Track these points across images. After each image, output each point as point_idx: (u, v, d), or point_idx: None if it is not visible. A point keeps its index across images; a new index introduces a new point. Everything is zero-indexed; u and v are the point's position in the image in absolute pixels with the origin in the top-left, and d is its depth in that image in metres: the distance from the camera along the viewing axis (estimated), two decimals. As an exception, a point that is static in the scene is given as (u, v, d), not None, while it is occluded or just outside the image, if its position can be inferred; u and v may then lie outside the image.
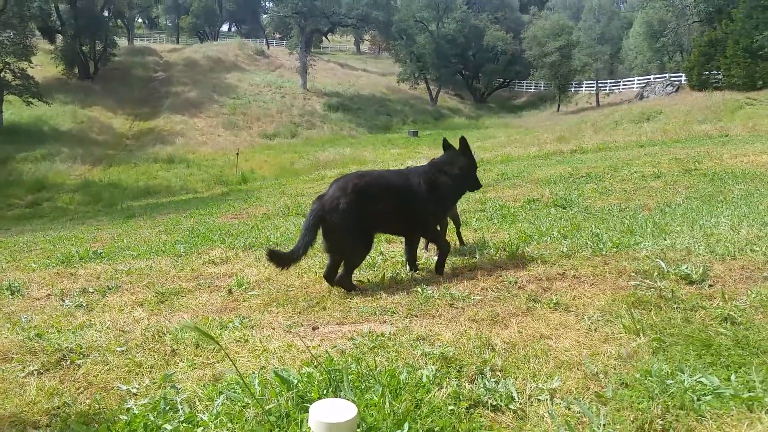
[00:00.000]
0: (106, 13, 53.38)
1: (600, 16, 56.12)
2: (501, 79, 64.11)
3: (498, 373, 2.63)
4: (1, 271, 6.49)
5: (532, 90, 62.89)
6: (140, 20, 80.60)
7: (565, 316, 3.40)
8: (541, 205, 8.02)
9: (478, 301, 3.75)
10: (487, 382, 2.47)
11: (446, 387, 2.42)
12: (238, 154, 27.10)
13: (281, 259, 4.34)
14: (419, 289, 4.04)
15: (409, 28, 56.05)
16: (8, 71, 35.37)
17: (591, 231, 5.50)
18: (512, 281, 4.08)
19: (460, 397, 2.35)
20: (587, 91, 54.86)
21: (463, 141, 4.74)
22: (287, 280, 4.80)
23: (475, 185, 4.84)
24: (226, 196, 17.78)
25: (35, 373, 3.11)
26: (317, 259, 5.47)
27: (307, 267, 5.16)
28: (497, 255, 4.89)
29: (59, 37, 48.33)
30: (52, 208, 22.68)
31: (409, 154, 30.84)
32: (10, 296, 5.01)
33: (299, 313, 3.91)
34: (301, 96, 49.32)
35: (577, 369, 2.67)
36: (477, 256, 4.90)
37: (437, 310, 3.66)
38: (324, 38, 63.63)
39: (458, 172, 4.64)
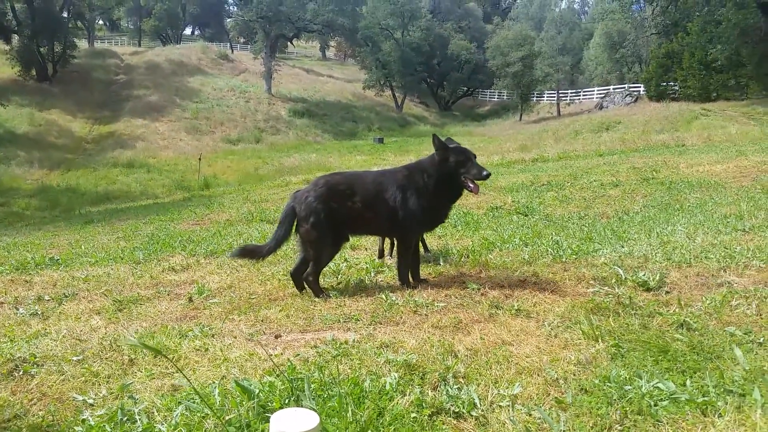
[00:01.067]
0: (65, 14, 52.01)
1: (561, 27, 57.42)
2: (465, 88, 64.85)
3: (461, 379, 2.65)
4: (-49, 278, 6.22)
5: (496, 99, 63.78)
6: (101, 22, 78.85)
7: (527, 322, 3.45)
8: (504, 213, 8.12)
9: (442, 307, 3.77)
10: (449, 389, 2.49)
11: (409, 394, 2.43)
12: (200, 159, 26.69)
13: (252, 253, 4.33)
14: (383, 296, 4.04)
15: (375, 36, 56.27)
16: (-39, 72, 34.26)
17: (551, 238, 5.60)
18: (475, 288, 4.11)
19: (423, 404, 2.35)
20: (549, 101, 55.91)
21: (435, 140, 4.37)
22: (250, 288, 4.74)
23: (460, 188, 4.44)
24: (188, 201, 17.49)
25: (-15, 384, 3.00)
26: (281, 266, 5.43)
27: (271, 274, 5.11)
28: (461, 262, 4.93)
29: (15, 38, 46.85)
30: (7, 213, 21.93)
31: (375, 160, 30.90)
32: (-40, 304, 4.81)
33: (261, 321, 3.86)
34: (266, 101, 48.94)
35: (538, 375, 2.70)
36: (441, 263, 4.94)
37: (401, 317, 3.67)
38: (289, 43, 63.38)
39: (437, 174, 4.29)
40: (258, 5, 50.17)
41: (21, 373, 3.10)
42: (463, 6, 68.17)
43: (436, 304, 3.83)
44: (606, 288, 3.88)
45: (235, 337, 3.50)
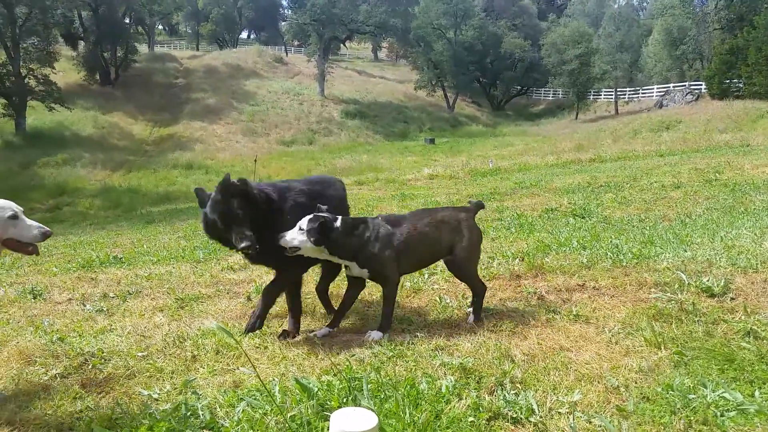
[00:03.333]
0: (127, 20, 54.12)
1: (620, 23, 55.78)
2: (519, 87, 63.91)
3: (518, 385, 2.62)
4: (24, 275, 6.57)
5: (551, 98, 62.60)
6: (161, 27, 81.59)
7: (585, 328, 3.39)
8: (560, 215, 7.97)
9: (497, 311, 3.74)
10: (507, 394, 2.47)
11: (466, 398, 2.42)
12: (255, 160, 27.18)
13: None
14: (437, 299, 4.04)
15: (427, 35, 56.12)
16: (32, 77, 36.01)
17: (611, 242, 5.46)
18: (531, 292, 4.06)
19: (480, 408, 2.34)
20: (606, 100, 54.47)
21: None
22: (305, 288, 4.81)
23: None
24: (244, 202, 17.92)
25: (58, 376, 3.16)
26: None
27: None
28: (515, 265, 4.86)
29: (81, 44, 49.08)
30: (73, 212, 23.00)
31: (425, 161, 30.85)
32: (33, 300, 5.08)
33: (317, 320, 3.93)
34: (319, 103, 49.58)
35: (598, 382, 2.65)
36: (495, 266, 4.89)
37: (456, 320, 3.66)
38: (342, 45, 64.00)
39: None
40: (312, 8, 50.86)
41: (90, 367, 3.25)
42: (518, 3, 67.20)
43: (491, 308, 3.80)
44: (668, 294, 3.76)
45: (293, 336, 3.58)
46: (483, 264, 5.01)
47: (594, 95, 55.37)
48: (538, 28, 63.42)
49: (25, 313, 4.65)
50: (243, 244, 3.20)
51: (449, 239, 3.62)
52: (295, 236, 3.31)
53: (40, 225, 2.98)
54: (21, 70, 35.39)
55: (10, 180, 27.95)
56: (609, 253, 4.89)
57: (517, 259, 4.95)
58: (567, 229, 6.71)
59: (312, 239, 3.28)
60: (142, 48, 57.73)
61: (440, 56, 55.06)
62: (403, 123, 49.89)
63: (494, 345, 3.08)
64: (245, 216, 3.26)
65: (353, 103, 51.05)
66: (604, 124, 42.31)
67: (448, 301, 3.97)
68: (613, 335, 3.22)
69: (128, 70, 50.08)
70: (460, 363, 2.81)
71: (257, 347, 3.33)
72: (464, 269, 3.68)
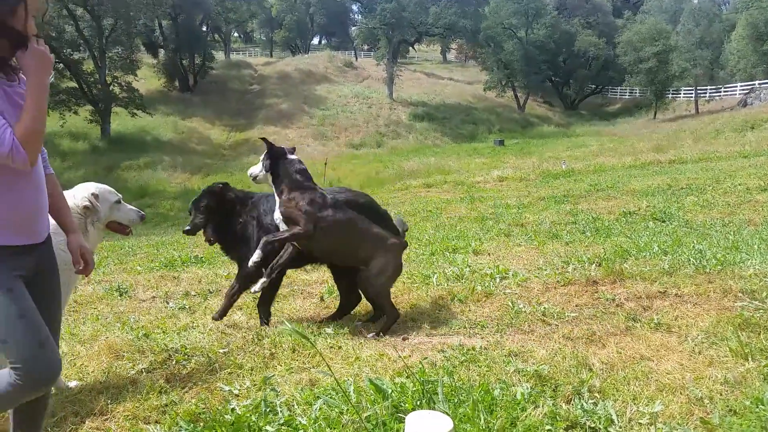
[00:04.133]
0: (204, 28, 56.32)
1: (700, 19, 53.04)
2: (593, 86, 61.90)
3: (596, 394, 2.56)
4: (110, 273, 6.97)
5: (627, 96, 60.25)
6: (236, 35, 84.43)
7: (667, 336, 3.26)
8: (638, 218, 7.69)
9: (573, 318, 3.65)
10: (584, 403, 2.41)
11: (542, 406, 2.38)
12: (326, 163, 27.69)
13: None
14: (509, 303, 3.99)
15: (497, 36, 55.29)
16: (116, 84, 38.02)
17: (693, 247, 5.22)
18: (609, 298, 3.94)
19: (557, 417, 2.30)
20: (685, 98, 51.88)
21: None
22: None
23: None
24: (315, 204, 18.27)
25: (144, 371, 3.34)
26: (405, 268, 5.52)
27: (396, 277, 5.20)
28: (591, 270, 4.73)
29: (161, 52, 51.49)
30: (154, 213, 24.11)
31: (495, 163, 30.39)
32: (119, 297, 5.39)
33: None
34: (387, 106, 49.86)
35: (681, 393, 2.55)
36: (570, 271, 4.77)
37: (529, 326, 3.61)
38: (411, 48, 64.12)
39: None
40: (381, 13, 51.23)
41: (174, 363, 3.42)
42: (591, 1, 65.20)
43: (566, 314, 3.72)
44: (756, 302, 3.56)
45: (366, 337, 3.63)
46: (557, 268, 4.89)
47: (673, 94, 52.88)
48: (613, 26, 61.22)
49: (112, 310, 4.94)
50: (186, 228, 4.21)
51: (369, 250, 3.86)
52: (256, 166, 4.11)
53: (138, 209, 3.40)
54: (106, 78, 37.41)
55: (96, 182, 29.70)
56: (692, 259, 4.68)
57: (594, 264, 4.81)
58: (646, 233, 6.46)
59: (264, 164, 4.05)
60: (219, 55, 59.90)
61: (511, 56, 54.15)
62: (472, 124, 49.38)
63: (571, 352, 3.01)
64: (206, 209, 4.16)
65: (421, 105, 51.02)
66: (684, 124, 40.36)
67: (521, 306, 3.92)
68: (696, 345, 3.09)
69: (206, 77, 52.06)
70: (535, 370, 2.77)
71: (331, 347, 3.41)
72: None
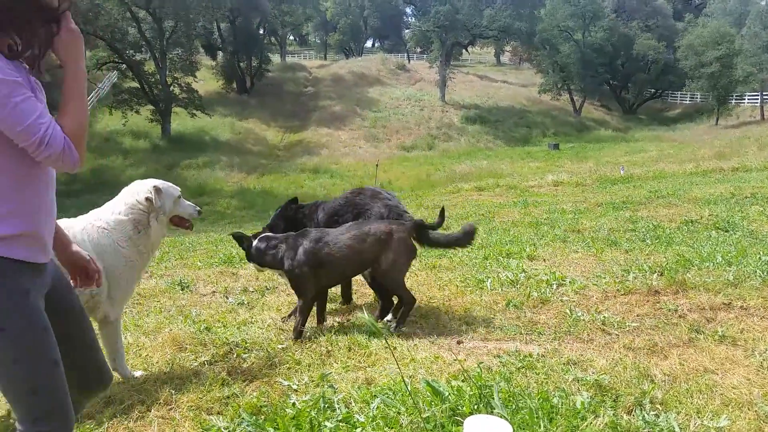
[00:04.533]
0: (261, 31, 57.50)
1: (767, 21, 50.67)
2: (652, 90, 59.99)
3: (658, 406, 2.50)
4: (171, 267, 7.20)
5: (687, 101, 58.07)
6: (291, 37, 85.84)
7: (732, 350, 3.15)
8: (700, 227, 7.41)
9: (634, 328, 3.56)
10: (646, 415, 2.36)
11: (603, 416, 2.34)
12: (377, 165, 27.88)
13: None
14: (567, 310, 3.93)
15: (553, 38, 54.36)
16: (176, 85, 39.26)
17: (759, 258, 4.99)
18: (671, 309, 3.83)
19: (618, 428, 2.26)
20: (750, 104, 49.59)
21: None
22: (429, 292, 4.88)
23: None
24: (366, 205, 18.37)
25: (206, 363, 3.45)
26: (457, 272, 5.51)
27: (448, 280, 5.20)
28: (653, 279, 4.60)
29: (220, 54, 52.86)
30: (212, 211, 24.80)
31: (549, 167, 29.85)
32: (181, 291, 5.57)
33: (443, 325, 3.97)
34: (439, 109, 49.71)
35: (748, 409, 2.47)
36: (630, 280, 4.65)
37: (588, 335, 3.54)
38: (464, 51, 63.74)
39: None
40: (435, 15, 51.14)
41: (234, 356, 3.52)
42: (651, 4, 63.17)
43: (627, 324, 3.63)
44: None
45: (420, 339, 3.64)
46: (616, 276, 4.78)
47: (737, 99, 50.67)
48: (673, 29, 59.18)
49: (174, 303, 5.11)
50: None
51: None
52: None
53: (194, 204, 3.49)
54: (167, 79, 38.68)
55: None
56: (758, 271, 4.49)
57: (655, 274, 4.67)
58: (709, 243, 6.23)
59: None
60: (275, 58, 61.03)
61: (567, 59, 53.10)
62: (526, 128, 48.69)
63: (632, 363, 2.95)
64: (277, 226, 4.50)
65: (474, 108, 50.64)
66: (749, 131, 38.66)
67: (579, 314, 3.85)
68: (764, 360, 2.97)
69: (262, 79, 53.10)
70: (595, 380, 2.73)
71: (386, 348, 3.43)
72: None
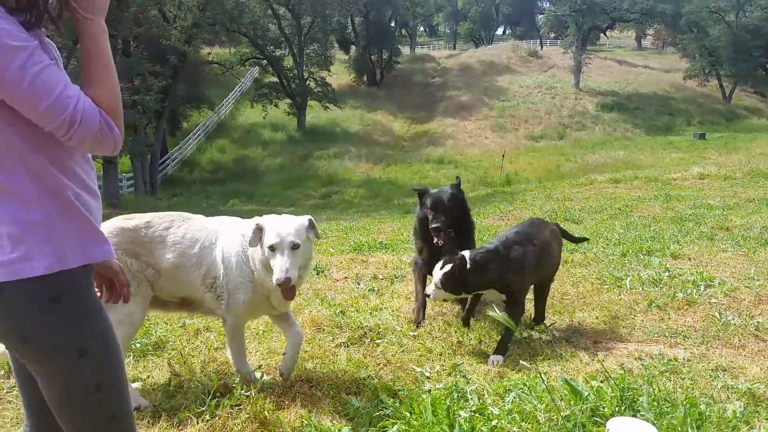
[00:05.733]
0: (392, 24, 58.37)
1: None
2: (819, 74, 53.42)
3: (825, 423, 2.28)
4: (307, 253, 7.57)
5: None
6: (421, 29, 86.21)
7: None
8: None
9: (796, 336, 3.26)
10: (811, 432, 2.16)
11: (758, 428, 2.19)
12: (503, 156, 27.27)
13: None
14: (716, 314, 3.66)
15: (701, 20, 49.97)
16: (312, 80, 41.14)
17: None
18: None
19: (778, 442, 2.10)
20: None
21: None
22: (562, 288, 4.76)
23: None
24: (491, 197, 18.07)
25: (342, 345, 3.63)
26: (593, 268, 5.31)
27: (582, 276, 5.04)
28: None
29: (353, 48, 54.45)
30: (340, 200, 25.70)
31: (694, 159, 27.53)
32: (317, 275, 5.86)
33: (578, 323, 3.86)
34: (572, 96, 47.55)
35: None
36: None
37: (739, 340, 3.29)
38: (602, 35, 60.44)
39: None
40: (572, -1, 49.02)
41: (369, 340, 3.67)
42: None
43: (787, 331, 3.32)
44: None
45: (554, 335, 3.58)
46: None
47: None
48: None
49: (311, 287, 5.40)
50: (434, 224, 3.84)
51: None
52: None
53: (288, 268, 2.70)
54: (304, 74, 40.59)
55: (292, 170, 32.59)
56: None
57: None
58: None
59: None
60: (405, 50, 61.75)
61: (717, 42, 48.58)
62: (668, 116, 45.23)
63: (792, 374, 2.70)
64: (447, 210, 3.92)
65: (611, 95, 47.90)
66: None
67: (729, 318, 3.57)
68: None
69: (391, 71, 54.06)
70: (748, 388, 2.54)
71: (519, 343, 3.41)
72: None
